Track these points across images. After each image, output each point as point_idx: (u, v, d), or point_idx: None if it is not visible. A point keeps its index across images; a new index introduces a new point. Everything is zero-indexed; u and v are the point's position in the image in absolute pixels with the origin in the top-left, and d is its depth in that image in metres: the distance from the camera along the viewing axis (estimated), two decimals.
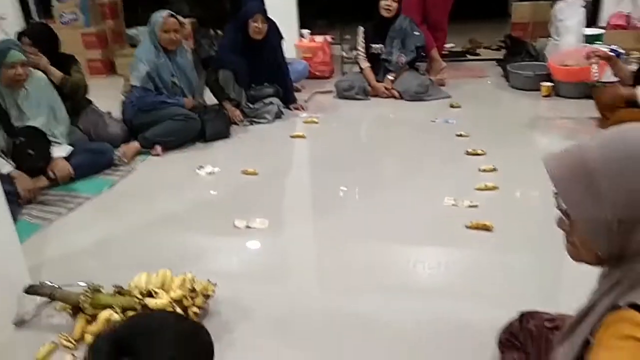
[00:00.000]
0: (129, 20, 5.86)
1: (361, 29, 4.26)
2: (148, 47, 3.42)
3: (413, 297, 1.91)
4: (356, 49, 4.35)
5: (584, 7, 4.30)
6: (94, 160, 3.05)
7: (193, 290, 1.70)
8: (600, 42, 4.19)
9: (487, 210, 2.41)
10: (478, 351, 1.58)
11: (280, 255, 2.27)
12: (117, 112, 3.59)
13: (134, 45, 5.61)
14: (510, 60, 4.57)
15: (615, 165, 0.89)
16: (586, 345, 0.98)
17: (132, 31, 5.80)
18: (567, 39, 4.17)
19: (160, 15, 3.38)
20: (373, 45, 4.20)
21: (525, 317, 1.48)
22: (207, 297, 1.75)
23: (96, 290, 1.71)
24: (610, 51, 3.85)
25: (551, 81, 3.96)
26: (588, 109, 3.53)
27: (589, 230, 0.93)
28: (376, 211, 2.52)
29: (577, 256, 1.03)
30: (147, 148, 3.36)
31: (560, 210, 1.00)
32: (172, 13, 3.44)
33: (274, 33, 3.89)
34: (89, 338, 1.65)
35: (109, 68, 5.51)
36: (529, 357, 1.41)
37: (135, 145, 3.34)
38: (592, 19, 4.60)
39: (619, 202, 0.88)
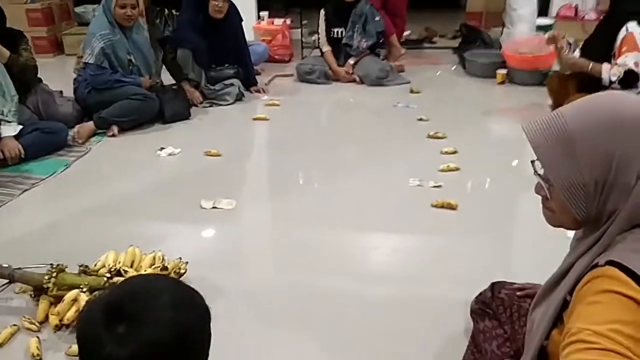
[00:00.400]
0: None
1: (322, 12, 4.25)
2: (102, 22, 3.26)
3: (385, 273, 1.94)
4: (317, 33, 4.33)
5: None
6: (46, 140, 2.90)
7: (165, 268, 1.66)
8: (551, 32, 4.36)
9: (451, 190, 2.47)
10: (450, 323, 1.63)
11: (249, 236, 2.24)
12: (68, 92, 3.42)
13: (82, 24, 5.35)
14: (465, 48, 4.68)
15: (591, 130, 0.94)
16: (564, 305, 1.02)
17: (80, 9, 5.53)
18: (521, 28, 4.31)
19: None
20: (334, 29, 4.19)
21: (496, 286, 1.53)
22: (179, 275, 1.71)
23: (60, 270, 1.63)
24: None
25: (506, 69, 4.09)
26: (541, 96, 3.67)
27: (568, 194, 0.97)
28: (345, 191, 2.53)
29: (555, 222, 1.07)
30: (102, 129, 3.23)
31: (539, 176, 1.04)
32: None
33: (234, 13, 3.80)
34: (54, 320, 1.57)
35: (56, 47, 5.22)
36: (502, 325, 1.46)
37: (89, 125, 3.20)
38: (543, 10, 4.78)
39: (595, 165, 0.93)
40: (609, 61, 2.87)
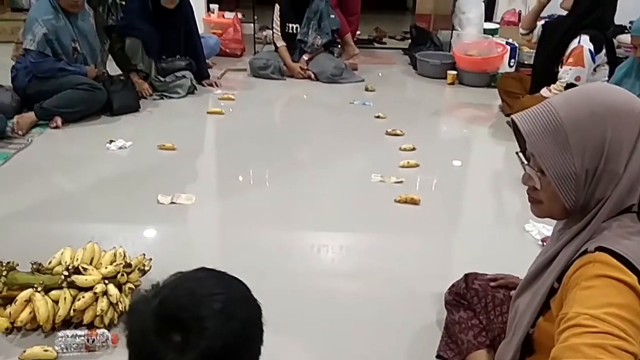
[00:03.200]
0: None
1: (277, 7, 4.19)
2: (45, 6, 3.04)
3: (355, 269, 1.93)
4: (269, 28, 4.26)
5: (484, 1, 4.62)
6: None
7: (128, 265, 1.55)
8: (497, 36, 4.53)
9: (412, 186, 2.50)
10: (421, 316, 1.65)
11: (213, 232, 2.17)
12: (5, 81, 3.17)
13: (16, 9, 5.02)
14: (415, 49, 4.76)
15: (583, 119, 0.96)
16: (551, 292, 1.04)
17: None
18: (469, 31, 4.45)
19: None
20: (289, 25, 4.15)
21: (469, 277, 1.54)
22: (143, 272, 1.61)
23: (11, 268, 1.49)
24: (506, 43, 4.20)
25: (456, 70, 4.20)
26: (489, 96, 3.81)
27: (560, 182, 0.98)
28: (309, 186, 2.51)
29: (542, 212, 1.08)
30: (44, 120, 3.02)
31: (530, 166, 1.05)
32: None
33: (186, 2, 3.68)
34: (4, 323, 1.43)
35: None
36: (477, 315, 1.48)
37: (30, 115, 2.98)
38: (489, 15, 4.95)
39: (587, 153, 0.95)
40: (558, 63, 2.99)
